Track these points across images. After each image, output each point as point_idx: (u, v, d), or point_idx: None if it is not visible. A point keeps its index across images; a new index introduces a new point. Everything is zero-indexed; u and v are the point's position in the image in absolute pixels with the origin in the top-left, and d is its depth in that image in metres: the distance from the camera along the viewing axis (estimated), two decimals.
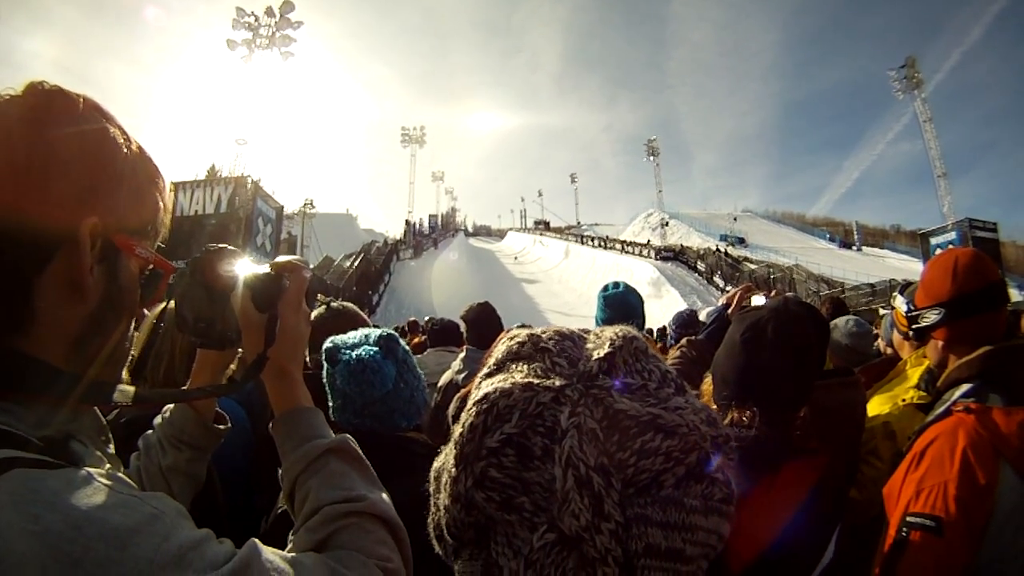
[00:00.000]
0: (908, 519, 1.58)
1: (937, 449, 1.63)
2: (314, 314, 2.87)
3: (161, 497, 0.76)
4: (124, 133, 0.87)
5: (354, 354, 1.82)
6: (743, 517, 1.48)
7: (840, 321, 3.58)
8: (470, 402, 0.63)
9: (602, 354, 0.65)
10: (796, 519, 1.56)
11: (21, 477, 0.65)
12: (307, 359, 2.85)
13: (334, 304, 2.92)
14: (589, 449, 0.56)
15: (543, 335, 0.70)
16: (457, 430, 0.63)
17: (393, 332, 1.97)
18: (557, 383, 0.61)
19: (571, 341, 0.69)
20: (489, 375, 0.69)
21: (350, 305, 3.01)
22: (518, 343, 0.69)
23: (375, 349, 1.85)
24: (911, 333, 2.50)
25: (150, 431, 1.33)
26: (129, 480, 0.79)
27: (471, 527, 0.62)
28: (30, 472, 0.66)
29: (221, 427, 1.35)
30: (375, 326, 2.29)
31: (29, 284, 0.77)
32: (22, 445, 0.70)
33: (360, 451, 1.12)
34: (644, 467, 0.57)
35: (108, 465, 0.84)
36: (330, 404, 1.87)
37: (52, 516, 0.63)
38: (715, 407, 1.71)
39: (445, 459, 0.66)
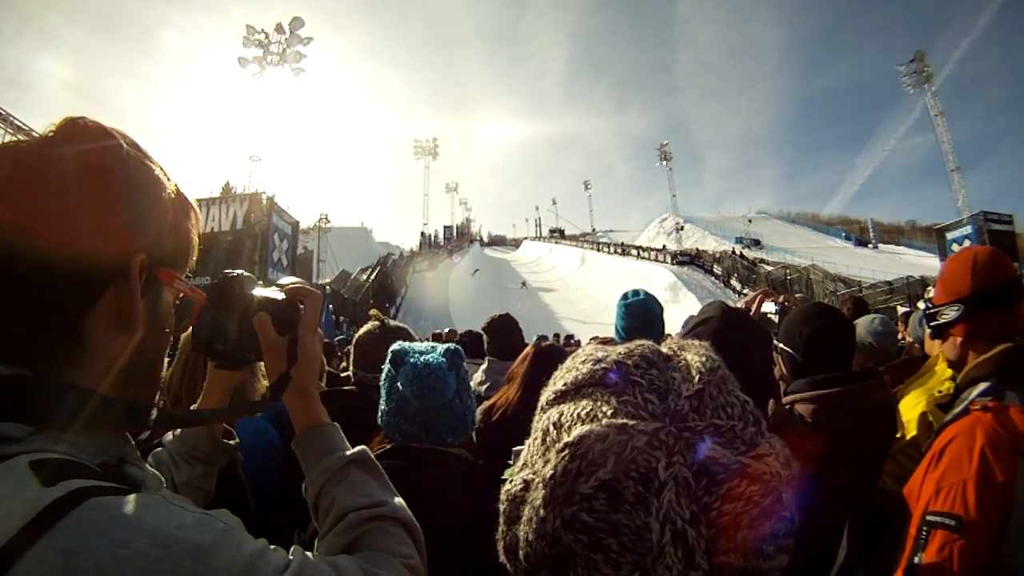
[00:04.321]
0: (928, 518, 1.60)
1: (955, 448, 1.65)
2: (365, 328, 2.93)
3: (225, 513, 0.81)
4: (163, 171, 0.92)
5: (422, 358, 1.86)
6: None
7: (865, 320, 3.56)
8: (561, 443, 0.63)
9: (691, 391, 0.64)
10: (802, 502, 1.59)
11: (101, 505, 0.69)
12: (352, 374, 2.88)
13: (389, 322, 2.97)
14: (684, 500, 0.57)
15: (630, 362, 0.69)
16: (547, 471, 0.63)
17: (459, 348, 2.01)
18: (651, 426, 0.61)
19: (657, 369, 0.68)
20: (564, 397, 0.69)
21: (403, 324, 3.06)
22: (603, 368, 0.69)
23: (442, 359, 1.88)
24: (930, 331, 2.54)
25: (160, 448, 1.38)
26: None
27: (551, 558, 0.63)
28: (108, 499, 0.70)
29: (231, 442, 1.42)
30: None
31: (82, 319, 0.81)
32: (89, 474, 0.74)
33: (376, 460, 1.19)
34: (726, 511, 0.58)
35: (164, 486, 0.89)
36: (382, 407, 1.91)
37: (140, 539, 0.68)
38: None
39: (530, 495, 0.65)
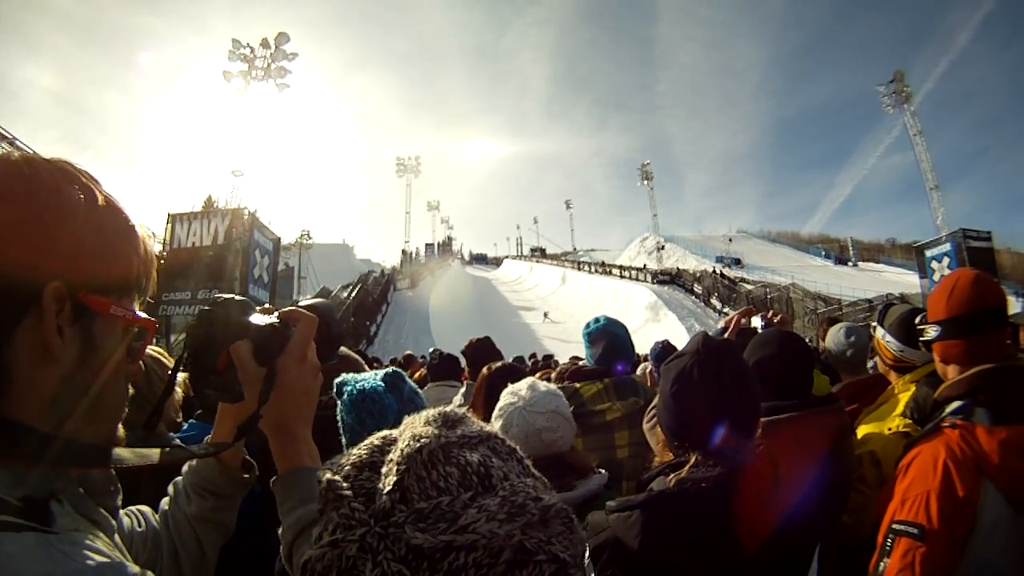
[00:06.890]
0: (893, 526, 1.67)
1: (921, 461, 1.72)
2: None
3: (117, 566, 0.78)
4: (88, 192, 0.86)
5: (358, 385, 1.88)
6: (752, 501, 1.54)
7: (832, 331, 3.62)
8: (299, 568, 0.66)
9: (390, 484, 0.67)
10: (803, 496, 1.69)
11: None
12: None
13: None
14: None
15: (340, 476, 0.71)
16: None
17: (400, 371, 2.02)
18: (358, 533, 0.63)
19: (369, 468, 0.71)
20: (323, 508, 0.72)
21: (345, 350, 3.06)
22: (322, 495, 0.71)
23: (380, 384, 1.89)
24: (899, 358, 2.68)
25: (179, 477, 1.32)
26: (97, 543, 0.81)
27: None
28: None
29: (247, 476, 1.33)
30: (374, 359, 2.30)
31: (2, 350, 0.78)
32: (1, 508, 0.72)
33: None
34: None
35: (80, 526, 0.84)
36: (343, 440, 1.91)
37: None
38: (670, 455, 1.79)
39: None
